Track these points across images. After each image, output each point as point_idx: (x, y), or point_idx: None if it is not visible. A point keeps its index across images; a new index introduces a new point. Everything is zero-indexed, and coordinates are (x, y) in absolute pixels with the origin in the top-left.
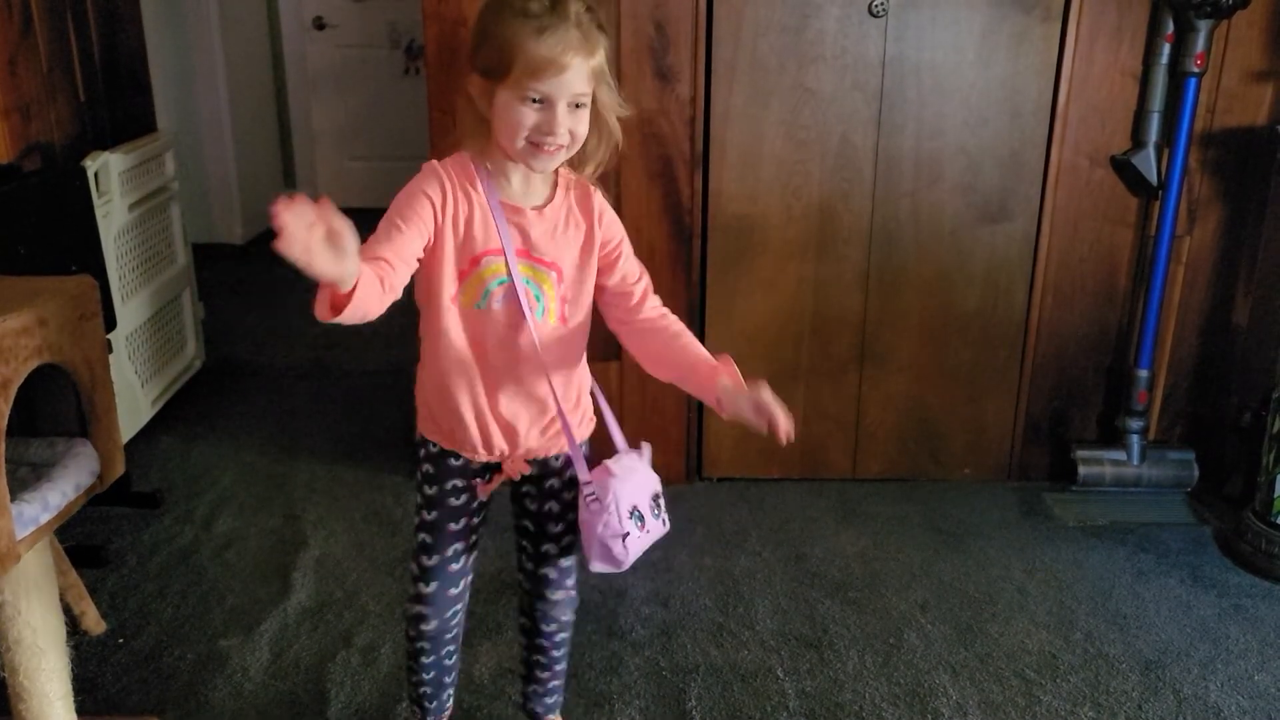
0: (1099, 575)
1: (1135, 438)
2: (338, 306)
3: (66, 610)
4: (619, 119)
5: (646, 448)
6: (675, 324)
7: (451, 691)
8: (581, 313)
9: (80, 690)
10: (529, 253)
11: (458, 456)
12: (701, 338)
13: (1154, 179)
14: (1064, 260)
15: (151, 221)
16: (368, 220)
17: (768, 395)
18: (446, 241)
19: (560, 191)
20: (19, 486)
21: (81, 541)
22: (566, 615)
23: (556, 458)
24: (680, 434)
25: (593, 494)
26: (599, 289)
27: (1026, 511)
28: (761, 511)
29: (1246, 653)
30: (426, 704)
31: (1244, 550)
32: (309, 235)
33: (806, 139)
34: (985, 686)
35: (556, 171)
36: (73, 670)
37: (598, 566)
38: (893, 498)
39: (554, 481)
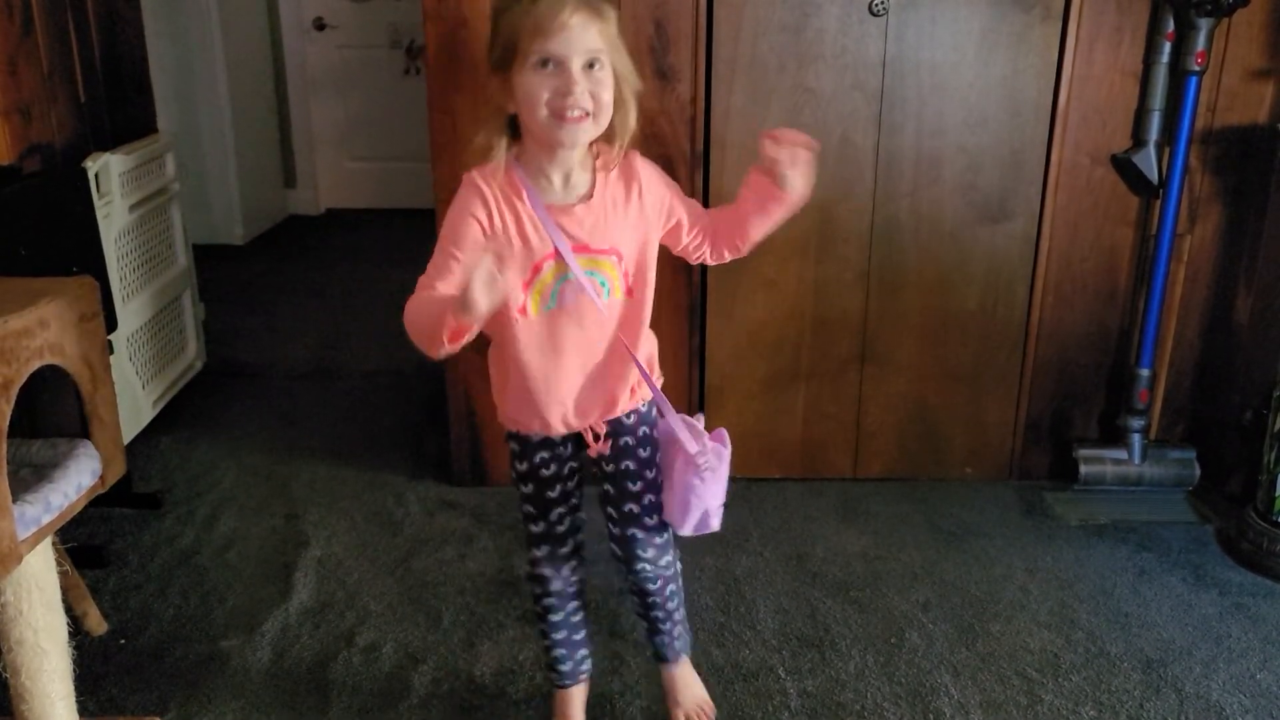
0: (1100, 574)
1: (1136, 436)
2: (456, 337)
3: (68, 611)
4: (636, 94)
5: (723, 434)
6: (723, 212)
7: (586, 654)
8: (646, 279)
9: (82, 691)
10: (587, 246)
11: (536, 434)
12: (702, 338)
13: (1155, 178)
14: (1065, 259)
15: (152, 222)
16: (368, 221)
17: (773, 148)
18: (508, 250)
19: (602, 175)
20: (20, 487)
21: (83, 542)
22: (667, 568)
23: (629, 415)
24: None
25: (708, 465)
26: (676, 246)
27: (1028, 511)
28: (762, 511)
29: (1248, 651)
30: (561, 666)
31: (1245, 549)
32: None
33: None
34: (987, 686)
35: (595, 156)
36: (74, 671)
37: (690, 531)
38: (894, 497)
39: (627, 439)
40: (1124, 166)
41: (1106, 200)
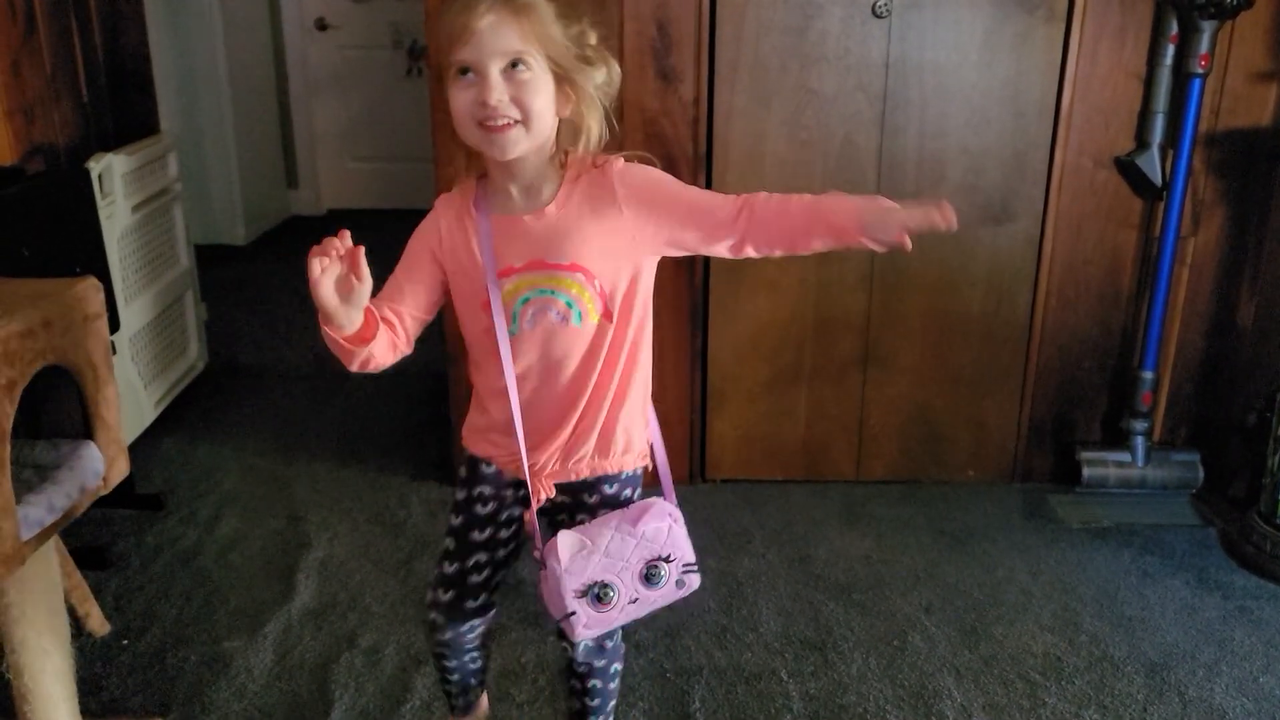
0: (1104, 577)
1: (1140, 439)
2: (343, 348)
3: (71, 612)
4: (610, 93)
5: (658, 505)
6: (768, 204)
7: (480, 689)
8: (632, 305)
9: (84, 692)
10: (542, 261)
11: (489, 464)
12: (704, 339)
13: (1158, 180)
14: (1068, 261)
15: (154, 223)
16: (369, 222)
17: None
18: (457, 278)
19: (567, 183)
20: (24, 488)
21: (86, 543)
22: (598, 660)
23: (610, 482)
24: (683, 436)
25: (542, 560)
26: (690, 243)
27: (1030, 513)
28: (765, 513)
29: (1251, 655)
30: (455, 701)
31: (1249, 552)
32: (331, 265)
33: (809, 140)
34: (990, 689)
35: (565, 164)
36: (77, 672)
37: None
38: (896, 500)
39: (584, 517)
40: (1127, 169)
41: (1110, 202)
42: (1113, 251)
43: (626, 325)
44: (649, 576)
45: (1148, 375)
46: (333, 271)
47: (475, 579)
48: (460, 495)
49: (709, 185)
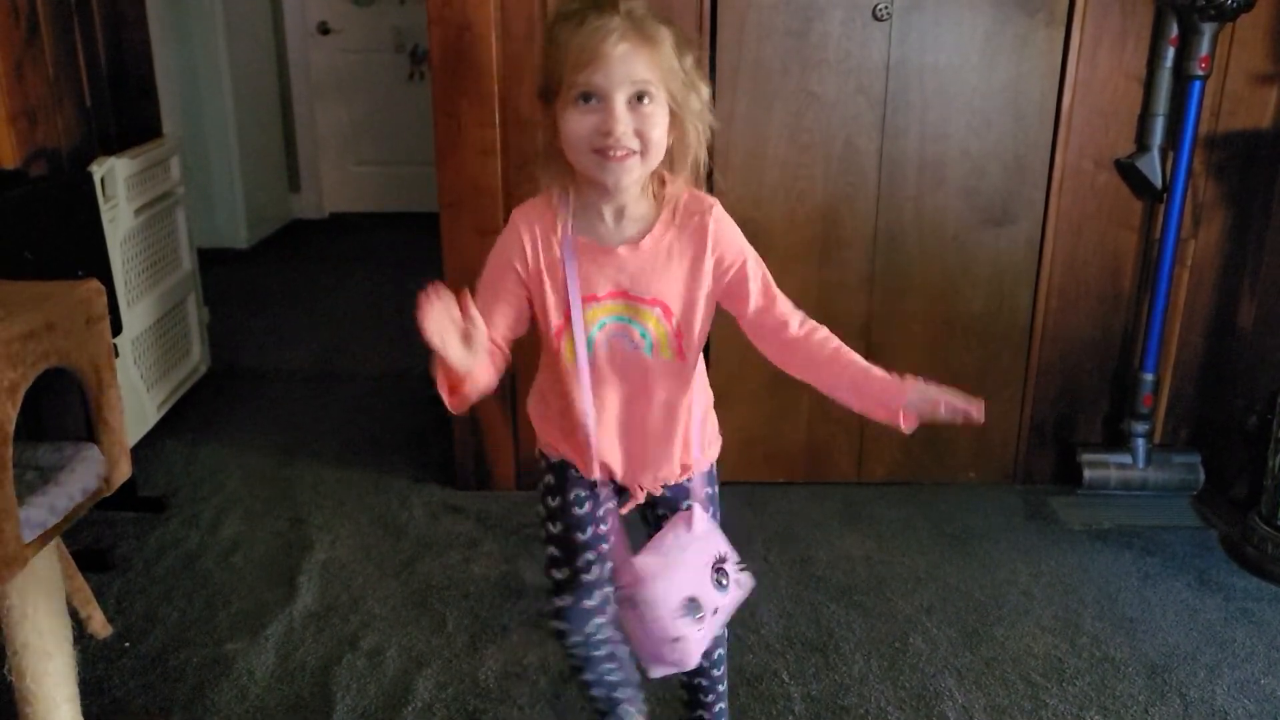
0: (1105, 579)
1: (1140, 441)
2: (454, 391)
3: (73, 614)
4: (706, 129)
5: (697, 511)
6: (826, 341)
7: (629, 704)
8: (700, 336)
9: (86, 694)
10: (626, 293)
11: (577, 470)
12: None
13: (1158, 182)
14: (1068, 263)
15: (157, 226)
16: (372, 225)
17: (944, 392)
18: (538, 295)
19: (664, 219)
20: (26, 490)
21: (88, 545)
22: (716, 655)
23: (680, 491)
24: None
25: (629, 599)
26: (737, 316)
27: (1031, 515)
28: (766, 515)
29: (1253, 656)
30: (607, 718)
31: (1250, 554)
32: (448, 328)
33: (810, 143)
34: (991, 690)
35: (661, 197)
36: (79, 674)
37: (658, 671)
38: (897, 501)
39: (666, 513)
40: (1128, 171)
41: (1110, 204)
42: (1113, 253)
43: (694, 352)
44: (719, 582)
45: (1148, 377)
46: (453, 334)
47: (588, 577)
48: (554, 502)
49: (710, 189)
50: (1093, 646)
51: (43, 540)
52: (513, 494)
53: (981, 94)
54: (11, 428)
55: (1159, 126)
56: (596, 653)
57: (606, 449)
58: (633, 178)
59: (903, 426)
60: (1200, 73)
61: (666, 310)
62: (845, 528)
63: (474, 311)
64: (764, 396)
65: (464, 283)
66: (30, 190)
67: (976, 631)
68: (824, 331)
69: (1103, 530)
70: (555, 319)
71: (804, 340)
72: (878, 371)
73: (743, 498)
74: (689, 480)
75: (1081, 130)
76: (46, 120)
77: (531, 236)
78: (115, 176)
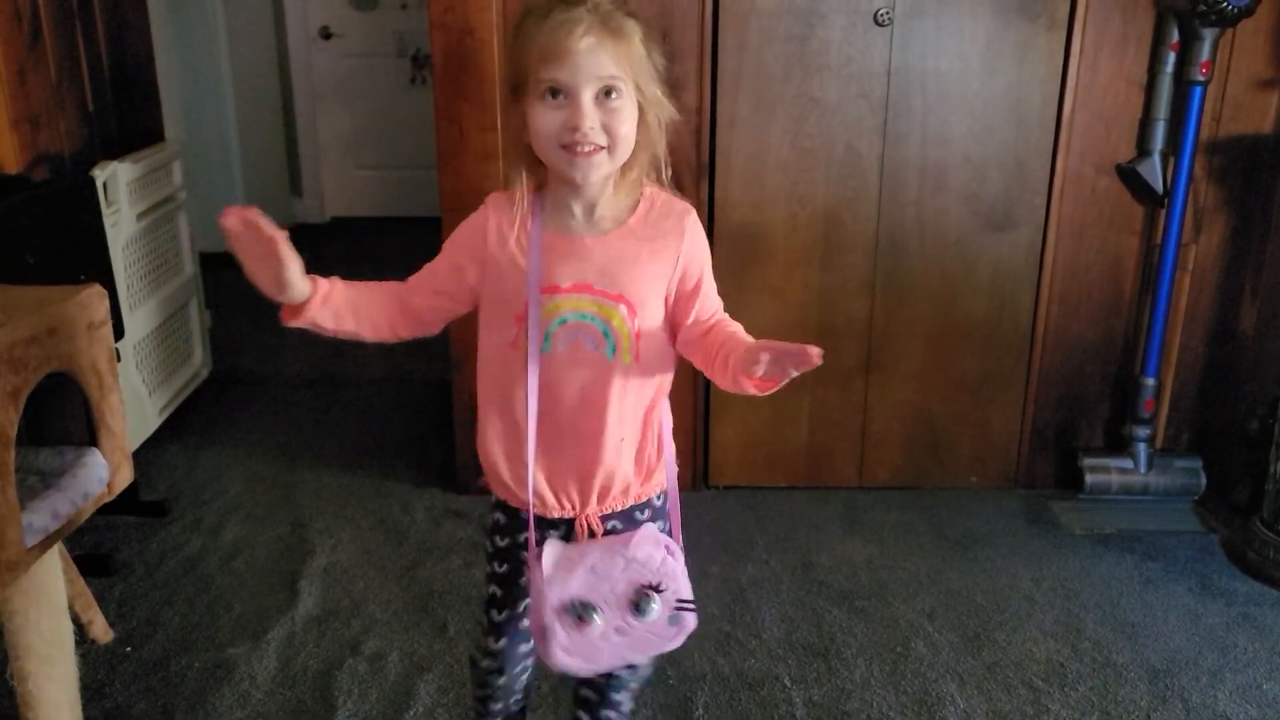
0: (1106, 583)
1: (1142, 445)
2: (289, 312)
3: (75, 619)
4: (665, 122)
5: (643, 532)
6: (724, 327)
7: None
8: (656, 346)
9: (88, 698)
10: (591, 287)
11: (524, 511)
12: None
13: (1159, 187)
14: (1070, 268)
15: (159, 231)
16: (374, 229)
17: (776, 346)
18: (495, 284)
19: (638, 216)
20: (28, 495)
21: (90, 550)
22: (633, 678)
23: (641, 509)
24: (686, 442)
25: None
26: (675, 325)
27: (1033, 520)
28: (768, 519)
29: (1255, 661)
30: None
31: (1251, 558)
32: (247, 246)
33: (812, 148)
34: (993, 695)
35: (636, 195)
36: (81, 678)
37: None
38: (899, 506)
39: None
40: (1129, 176)
41: (1111, 209)
42: (1114, 258)
43: (655, 360)
44: (638, 606)
45: (1149, 381)
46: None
47: (526, 623)
48: (502, 543)
49: (712, 194)
50: (1094, 651)
51: (45, 545)
52: None
53: (983, 99)
54: (13, 432)
55: (1160, 131)
56: (515, 688)
57: (559, 462)
58: (601, 173)
59: (751, 389)
60: (1201, 78)
61: (631, 309)
62: (847, 532)
63: (260, 222)
64: (765, 401)
65: None
66: (32, 195)
67: (978, 636)
68: (732, 326)
69: (1104, 535)
70: (513, 309)
71: (708, 331)
72: (740, 341)
73: (744, 502)
74: (642, 511)
75: (1083, 135)
76: (49, 125)
77: (497, 222)
78: (117, 181)
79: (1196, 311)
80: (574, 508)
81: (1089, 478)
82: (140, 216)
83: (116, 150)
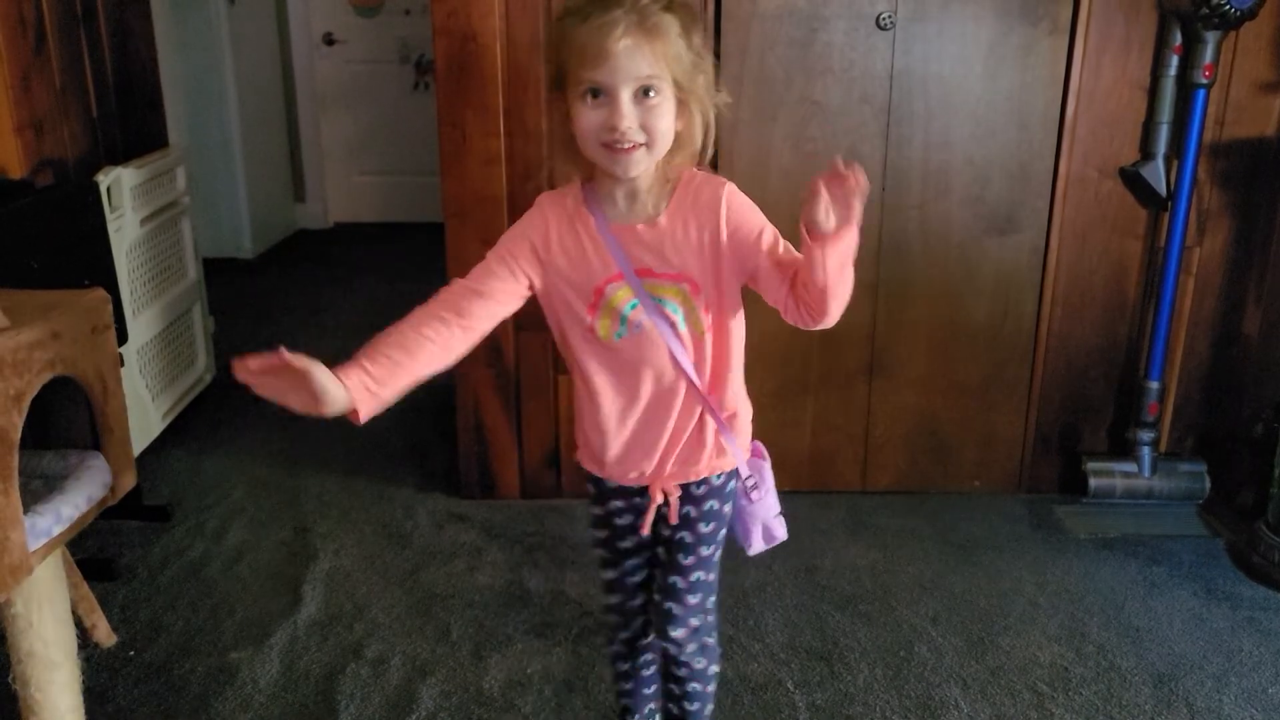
0: (1110, 588)
1: (1146, 449)
2: (351, 415)
3: (78, 623)
4: (717, 110)
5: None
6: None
7: (655, 704)
8: (729, 316)
9: (91, 702)
10: (651, 270)
11: (611, 481)
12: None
13: (1163, 190)
14: (1073, 272)
15: (163, 236)
16: (377, 235)
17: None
18: (561, 280)
19: (678, 197)
20: (32, 499)
21: (93, 554)
22: (698, 661)
23: (699, 484)
24: None
25: (754, 483)
26: (753, 277)
27: (1037, 524)
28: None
29: (1260, 665)
30: (629, 714)
31: (1256, 563)
32: (273, 385)
33: (814, 151)
34: (997, 700)
35: (675, 179)
36: (84, 682)
37: (759, 548)
38: (902, 510)
39: (690, 509)
40: (1132, 179)
41: (1114, 213)
42: (1118, 262)
43: (726, 335)
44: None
45: (1153, 385)
46: (280, 386)
47: (632, 580)
48: (597, 511)
49: None
50: (1099, 656)
51: (48, 549)
52: (517, 503)
53: (985, 103)
54: (17, 436)
55: (1163, 134)
56: (641, 651)
57: (637, 437)
58: (640, 168)
59: (811, 245)
60: (1204, 81)
61: (694, 285)
62: (850, 537)
63: (289, 359)
64: (768, 405)
65: None
66: (37, 200)
67: (982, 641)
68: None
69: (1108, 539)
70: (584, 300)
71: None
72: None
73: None
74: (700, 486)
75: (1085, 139)
76: (53, 130)
77: (556, 218)
78: (121, 186)
79: (1200, 315)
80: (644, 477)
81: (1093, 482)
82: (144, 222)
83: (120, 156)
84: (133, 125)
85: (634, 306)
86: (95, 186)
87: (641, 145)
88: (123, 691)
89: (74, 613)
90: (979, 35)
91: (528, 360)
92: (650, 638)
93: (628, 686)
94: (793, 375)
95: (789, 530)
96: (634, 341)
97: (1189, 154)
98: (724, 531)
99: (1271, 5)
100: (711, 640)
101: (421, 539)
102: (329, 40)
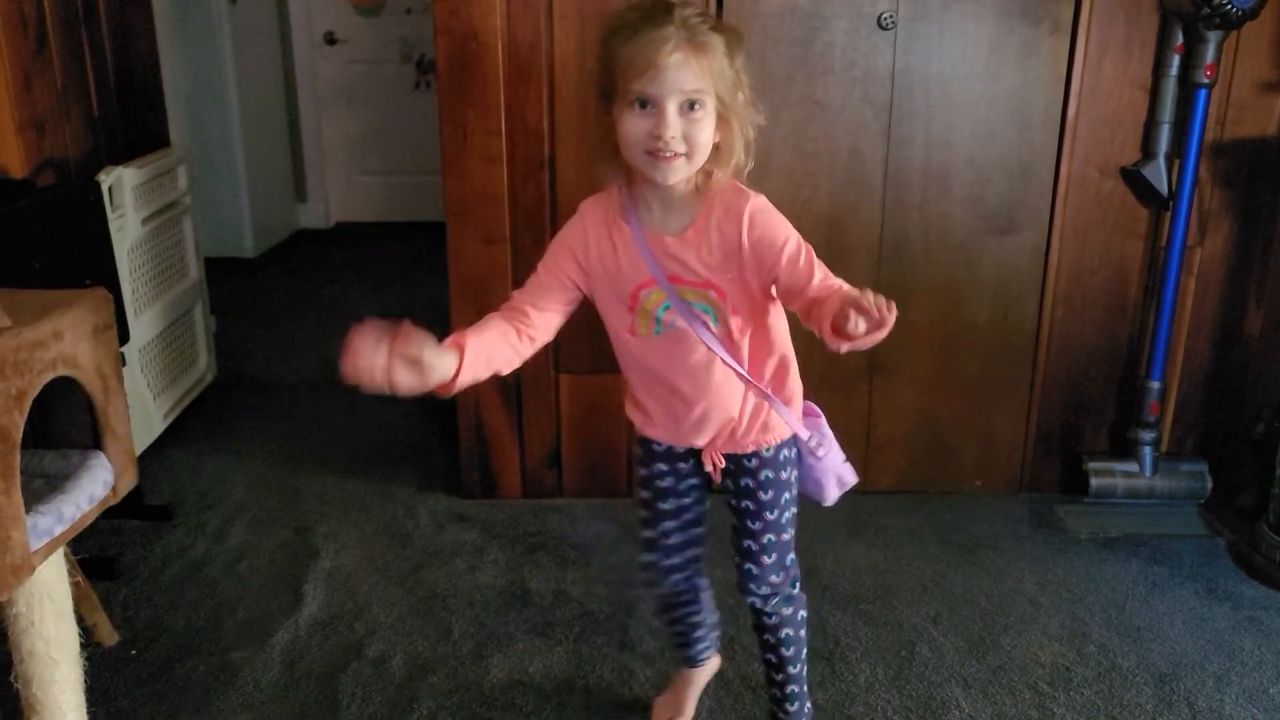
0: (1112, 587)
1: (1147, 449)
2: (446, 388)
3: (80, 622)
4: (750, 126)
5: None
6: (826, 283)
7: (709, 640)
8: (763, 314)
9: (93, 702)
10: (681, 278)
11: (659, 444)
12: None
13: (1164, 190)
14: (1074, 272)
15: (164, 235)
16: (378, 234)
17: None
18: (600, 283)
19: (705, 210)
20: (33, 498)
21: (95, 554)
22: (786, 609)
23: (750, 457)
24: None
25: (816, 441)
26: (775, 283)
27: (1038, 523)
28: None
29: (1261, 665)
30: (685, 651)
31: (1258, 562)
32: (378, 372)
33: (815, 151)
34: (998, 699)
35: (707, 190)
36: (85, 682)
37: (835, 496)
38: (903, 510)
39: (748, 481)
40: (1133, 179)
41: (1116, 213)
42: (1119, 262)
43: (763, 330)
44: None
45: (1155, 385)
46: (389, 368)
47: (669, 541)
48: (643, 472)
49: None
50: (1100, 655)
51: (50, 548)
52: (518, 502)
53: (986, 102)
54: (19, 435)
55: (1164, 134)
56: (682, 599)
57: (679, 417)
58: (679, 176)
59: (829, 344)
60: (1205, 80)
61: (720, 292)
62: (851, 537)
63: (407, 330)
64: None
65: (470, 291)
66: (38, 200)
67: (983, 640)
68: (833, 283)
69: (1109, 539)
70: (623, 301)
71: (813, 295)
72: (836, 296)
73: None
74: (750, 459)
75: (1087, 138)
76: (54, 130)
77: (593, 225)
78: (123, 186)
79: (1201, 315)
80: (690, 442)
81: (1094, 481)
82: (145, 221)
83: (122, 155)
84: (134, 125)
85: (666, 308)
86: (97, 186)
87: (682, 155)
88: (124, 690)
89: (76, 612)
90: (980, 35)
91: (529, 360)
92: (685, 592)
93: (678, 629)
94: None
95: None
96: (671, 338)
97: (1190, 154)
98: (788, 494)
99: (1273, 5)
100: (795, 590)
101: (423, 538)
102: (330, 40)
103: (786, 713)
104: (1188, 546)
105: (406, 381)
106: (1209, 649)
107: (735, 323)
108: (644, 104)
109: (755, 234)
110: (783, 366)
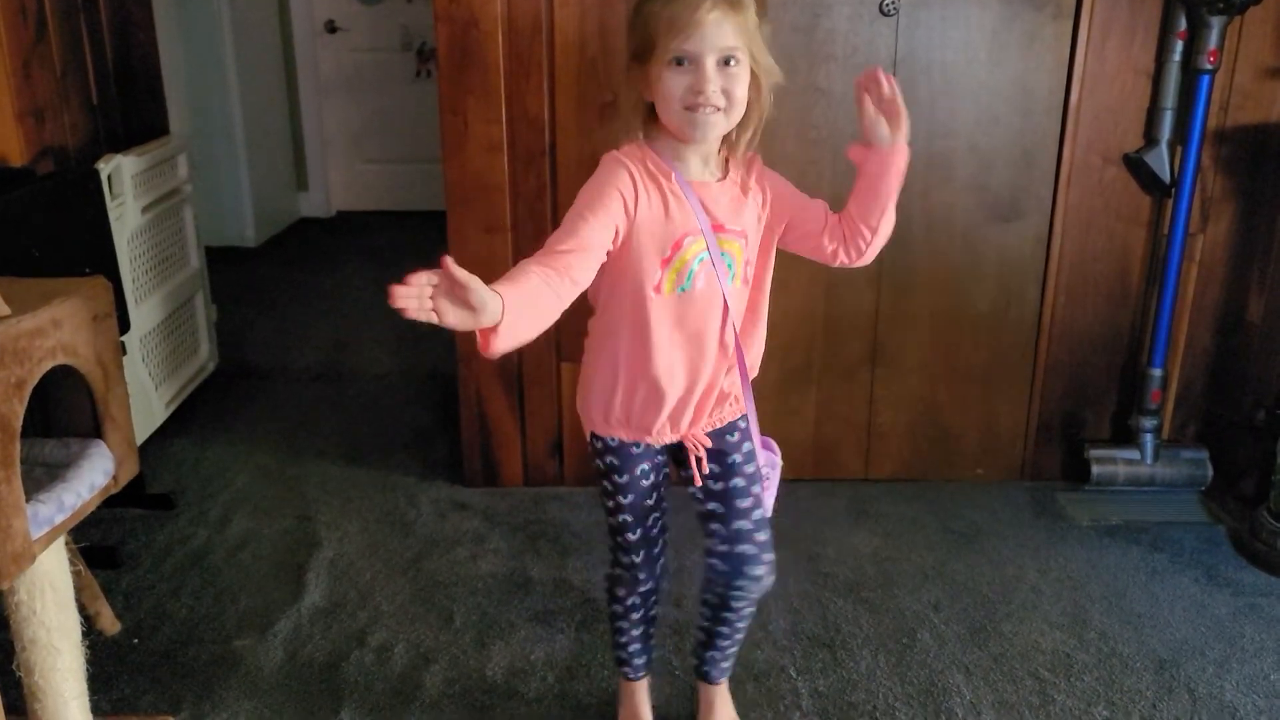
0: (1113, 574)
1: (1149, 437)
2: (487, 337)
3: (81, 610)
4: (773, 85)
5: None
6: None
7: (653, 645)
8: (763, 276)
9: (95, 690)
10: (722, 225)
11: (639, 445)
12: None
13: (1167, 177)
14: (1076, 259)
15: (164, 224)
16: (379, 223)
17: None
18: (642, 233)
19: (734, 163)
20: (34, 487)
21: (96, 542)
22: (769, 578)
23: (731, 431)
24: None
25: (765, 475)
26: (796, 240)
27: (1039, 511)
28: (773, 512)
29: (1262, 652)
30: (636, 660)
31: (1258, 549)
32: (427, 302)
33: (818, 139)
34: (999, 686)
35: (728, 147)
36: (87, 670)
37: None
38: (905, 498)
39: (735, 456)
40: (1136, 166)
41: (1118, 200)
42: (1121, 249)
43: (761, 287)
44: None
45: (1156, 373)
46: (438, 302)
47: (654, 531)
48: (622, 480)
49: None
50: (1100, 642)
51: (51, 537)
52: (520, 490)
53: (989, 89)
54: (19, 424)
55: (1167, 121)
56: (653, 589)
57: (679, 388)
58: (718, 131)
59: (875, 163)
60: (1209, 66)
61: (746, 240)
62: (853, 524)
63: (453, 268)
64: (771, 394)
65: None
66: (37, 188)
67: (984, 627)
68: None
69: (1111, 526)
70: (660, 254)
71: (843, 217)
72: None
73: None
74: (733, 433)
75: (1089, 125)
76: (54, 118)
77: (639, 173)
78: (122, 174)
79: (1204, 302)
80: (678, 430)
81: (1095, 469)
82: (145, 210)
83: (121, 144)
84: (134, 113)
85: (702, 260)
86: (96, 174)
87: (720, 110)
88: (126, 679)
89: (77, 600)
90: (983, 21)
91: (531, 348)
92: (658, 584)
93: (636, 633)
94: (795, 364)
95: (792, 520)
96: (693, 296)
97: (1193, 140)
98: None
99: None
100: (772, 555)
101: (424, 527)
102: (331, 28)
103: (726, 660)
104: (1189, 533)
105: (453, 315)
106: (1209, 635)
107: (747, 272)
108: (682, 61)
109: (770, 182)
110: (762, 339)
